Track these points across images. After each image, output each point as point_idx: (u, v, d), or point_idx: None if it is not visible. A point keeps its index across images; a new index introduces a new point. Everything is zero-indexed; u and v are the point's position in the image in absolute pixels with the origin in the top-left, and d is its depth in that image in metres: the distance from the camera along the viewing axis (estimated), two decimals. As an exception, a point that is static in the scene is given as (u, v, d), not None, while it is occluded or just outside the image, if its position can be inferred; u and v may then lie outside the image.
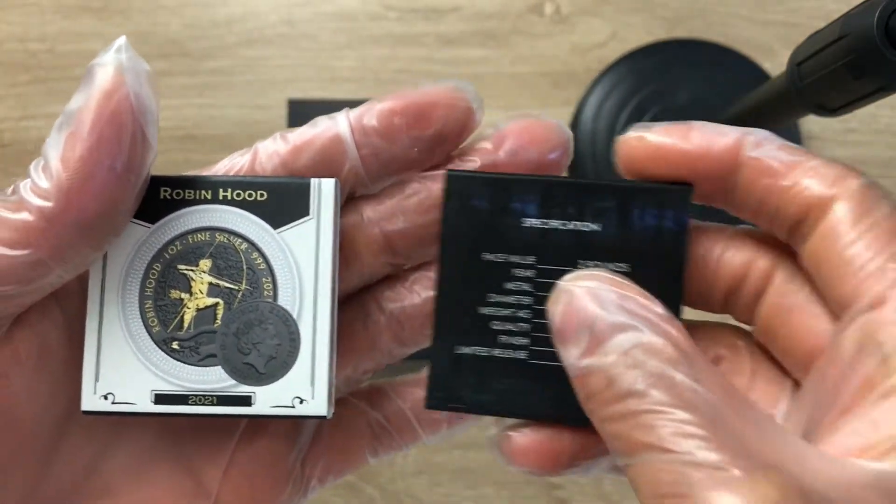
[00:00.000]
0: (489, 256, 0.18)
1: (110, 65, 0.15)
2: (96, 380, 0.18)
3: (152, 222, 0.18)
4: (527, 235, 0.17)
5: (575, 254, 0.17)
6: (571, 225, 0.17)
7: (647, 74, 0.45)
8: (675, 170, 0.17)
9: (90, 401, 0.18)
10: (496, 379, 0.17)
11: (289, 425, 0.20)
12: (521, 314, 0.17)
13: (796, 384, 0.17)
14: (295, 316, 0.18)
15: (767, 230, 0.17)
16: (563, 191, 0.17)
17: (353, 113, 0.18)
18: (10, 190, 0.16)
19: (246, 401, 0.18)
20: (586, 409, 0.15)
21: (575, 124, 0.46)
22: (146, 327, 0.18)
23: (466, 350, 0.18)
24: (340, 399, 0.21)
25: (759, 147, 0.16)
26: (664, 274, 0.17)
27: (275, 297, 0.18)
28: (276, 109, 0.46)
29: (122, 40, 0.15)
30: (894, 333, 0.13)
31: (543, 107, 0.46)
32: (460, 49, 0.46)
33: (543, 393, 0.17)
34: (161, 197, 0.18)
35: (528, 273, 0.17)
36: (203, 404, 0.18)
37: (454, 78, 0.19)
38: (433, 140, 0.18)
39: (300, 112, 0.46)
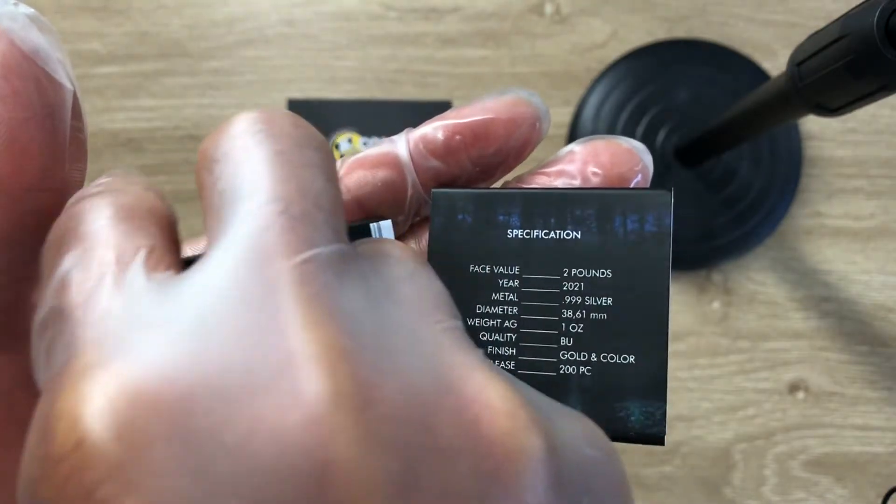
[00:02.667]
0: (476, 268, 0.18)
1: None
2: None
3: None
4: (511, 246, 0.18)
5: (558, 261, 0.17)
6: (553, 233, 0.17)
7: (647, 74, 0.46)
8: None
9: None
10: None
11: None
12: (508, 324, 0.17)
13: None
14: None
15: None
16: (545, 201, 0.18)
17: (413, 135, 0.18)
18: None
19: None
20: None
21: (575, 124, 0.46)
22: None
23: None
24: None
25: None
26: (648, 277, 0.17)
27: None
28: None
29: None
30: None
31: (543, 107, 0.46)
32: (460, 49, 0.46)
33: None
34: None
35: (514, 283, 0.18)
36: None
37: (514, 87, 0.18)
38: (494, 158, 0.18)
39: (300, 112, 0.46)
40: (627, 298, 0.17)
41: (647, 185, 0.18)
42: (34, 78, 0.14)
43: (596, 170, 0.18)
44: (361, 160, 0.18)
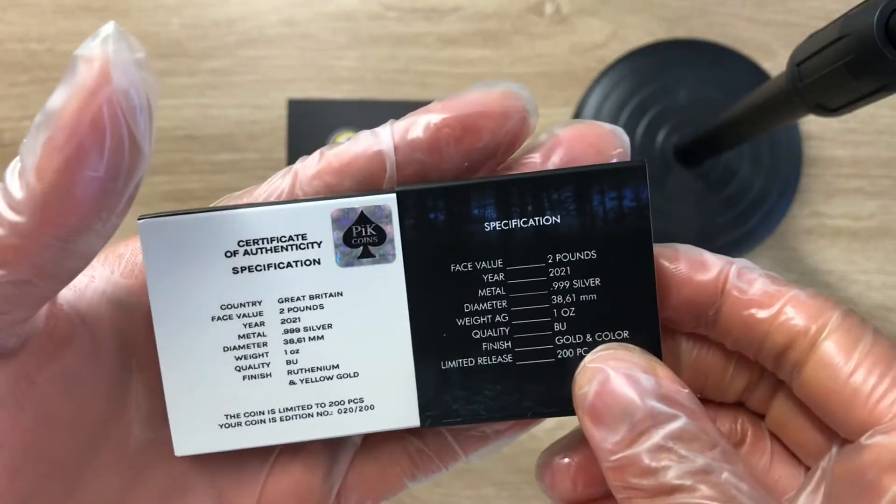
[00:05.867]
0: (457, 267, 0.17)
1: (95, 58, 0.13)
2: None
3: None
4: (491, 239, 0.17)
5: (541, 248, 0.17)
6: (532, 221, 0.17)
7: (647, 74, 0.45)
8: (661, 291, 0.17)
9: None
10: (487, 386, 0.17)
11: (323, 456, 0.19)
12: (500, 318, 0.17)
13: (807, 468, 0.18)
14: None
15: (752, 357, 0.18)
16: (518, 188, 0.17)
17: (398, 126, 0.17)
18: None
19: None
20: (620, 495, 0.15)
21: (575, 124, 0.46)
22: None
23: (452, 364, 0.17)
24: None
25: (741, 276, 0.17)
26: (633, 253, 0.17)
27: None
28: (276, 109, 0.46)
29: (109, 27, 0.13)
30: None
31: (543, 107, 0.46)
32: (460, 49, 0.46)
33: (536, 390, 0.17)
34: None
35: (499, 276, 0.17)
36: None
37: (503, 80, 0.17)
38: (483, 152, 0.17)
39: (300, 112, 0.46)
40: (615, 276, 0.17)
41: None
42: (118, 139, 0.13)
43: (565, 158, 0.17)
44: (340, 155, 0.17)
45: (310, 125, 0.46)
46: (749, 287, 0.17)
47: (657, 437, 0.14)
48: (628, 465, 0.15)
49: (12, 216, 0.13)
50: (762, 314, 0.16)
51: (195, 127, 0.46)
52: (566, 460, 0.18)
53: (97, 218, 0.14)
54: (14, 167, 0.14)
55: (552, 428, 0.42)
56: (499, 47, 0.46)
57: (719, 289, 0.17)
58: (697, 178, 0.45)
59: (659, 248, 0.17)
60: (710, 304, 0.17)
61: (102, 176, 0.13)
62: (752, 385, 0.18)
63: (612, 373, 0.15)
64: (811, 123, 0.46)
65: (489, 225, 0.17)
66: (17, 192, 0.13)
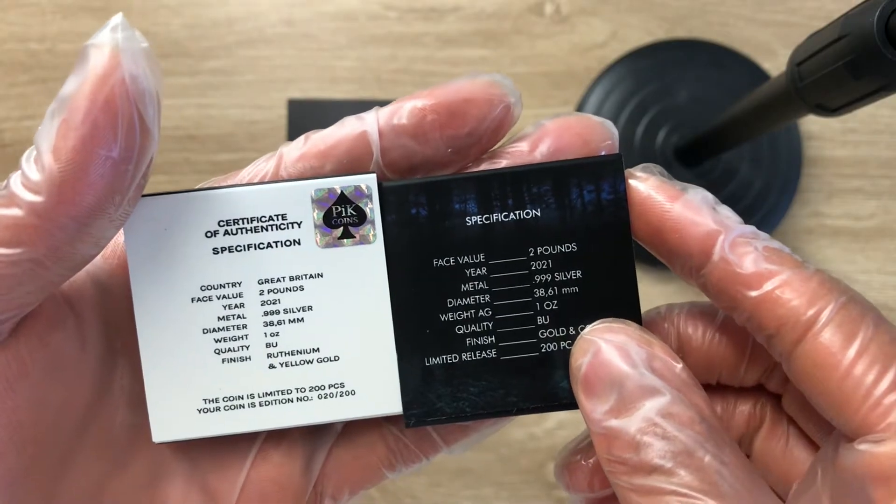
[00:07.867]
0: (439, 262, 0.17)
1: (105, 45, 0.13)
2: None
3: None
4: (473, 234, 0.17)
5: (522, 242, 0.17)
6: (513, 215, 0.17)
7: (647, 74, 0.46)
8: (652, 230, 0.17)
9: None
10: (471, 382, 0.17)
11: (305, 443, 0.19)
12: (483, 313, 0.17)
13: None
14: None
15: (741, 324, 0.17)
16: (499, 182, 0.17)
17: (383, 112, 0.17)
18: (3, 184, 0.14)
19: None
20: (606, 468, 0.15)
21: (575, 124, 0.46)
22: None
23: (435, 361, 0.17)
24: None
25: (734, 248, 0.16)
26: (612, 245, 0.17)
27: None
28: (276, 109, 0.46)
29: (118, 18, 0.14)
30: None
31: (543, 107, 0.46)
32: (460, 49, 0.46)
33: (521, 385, 0.17)
34: None
35: (481, 271, 0.17)
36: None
37: (490, 72, 0.17)
38: (468, 139, 0.17)
39: (300, 112, 0.46)
40: (595, 268, 0.17)
41: None
42: (129, 121, 0.14)
43: (552, 148, 0.17)
44: (325, 138, 0.18)
45: (310, 125, 0.46)
46: (739, 261, 0.15)
47: (645, 409, 0.14)
48: (614, 436, 0.15)
49: (30, 196, 0.14)
50: (750, 293, 0.15)
51: (195, 127, 0.46)
52: (583, 461, 0.19)
53: (111, 201, 0.14)
54: (29, 154, 0.14)
55: (552, 428, 0.42)
56: (499, 47, 0.46)
57: (707, 252, 0.16)
58: (697, 178, 0.45)
59: (667, 185, 0.17)
60: (698, 263, 0.16)
61: (116, 157, 0.14)
62: (770, 369, 0.18)
63: (604, 344, 0.15)
64: (811, 123, 0.46)
65: (471, 219, 0.17)
66: (34, 174, 0.14)
